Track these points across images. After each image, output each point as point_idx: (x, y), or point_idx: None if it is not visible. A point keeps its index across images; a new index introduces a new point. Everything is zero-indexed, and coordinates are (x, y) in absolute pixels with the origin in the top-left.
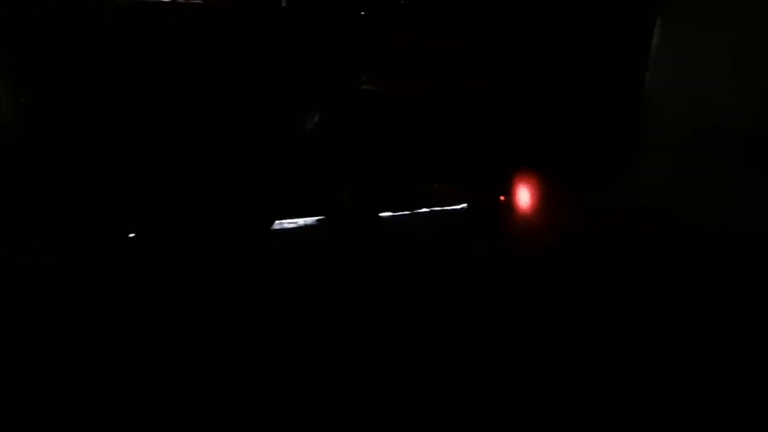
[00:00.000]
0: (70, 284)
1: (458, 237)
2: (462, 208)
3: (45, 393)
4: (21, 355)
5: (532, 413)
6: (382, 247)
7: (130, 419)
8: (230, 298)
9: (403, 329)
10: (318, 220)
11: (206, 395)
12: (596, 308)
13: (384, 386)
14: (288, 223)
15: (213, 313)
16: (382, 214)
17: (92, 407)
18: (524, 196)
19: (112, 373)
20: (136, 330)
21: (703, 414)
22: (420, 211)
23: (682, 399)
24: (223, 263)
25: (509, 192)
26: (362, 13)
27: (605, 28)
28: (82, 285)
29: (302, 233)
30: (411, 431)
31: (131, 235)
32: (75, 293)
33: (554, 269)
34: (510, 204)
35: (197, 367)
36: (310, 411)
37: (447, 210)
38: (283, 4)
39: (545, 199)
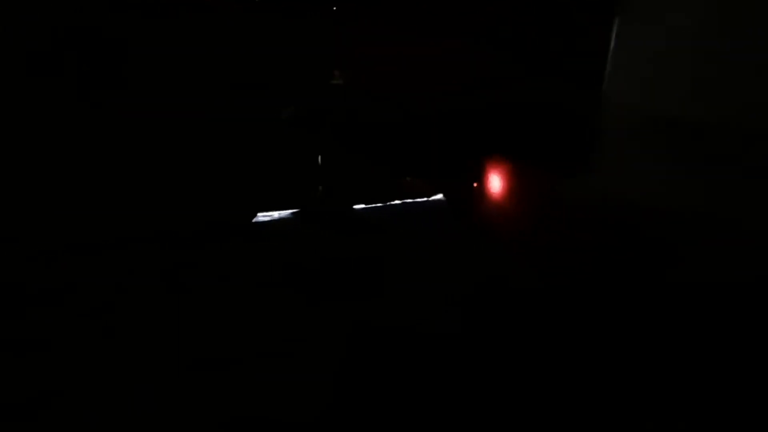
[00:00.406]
0: (70, 284)
1: (440, 230)
2: (438, 200)
3: (45, 393)
4: (21, 356)
5: (531, 414)
6: (370, 244)
7: (130, 419)
8: (229, 298)
9: (401, 329)
10: (293, 213)
11: (206, 395)
12: (597, 308)
13: (384, 387)
14: (263, 217)
15: (212, 313)
16: (356, 207)
17: (92, 407)
18: (500, 188)
19: (112, 374)
20: (135, 330)
21: (703, 414)
22: (394, 203)
23: (682, 399)
24: (220, 263)
25: (485, 184)
26: (334, 8)
27: (569, 28)
28: (82, 285)
29: (289, 231)
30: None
31: (130, 235)
32: (75, 293)
33: (550, 270)
34: (485, 194)
35: (197, 367)
36: (311, 411)
37: (422, 202)
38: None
39: (525, 192)
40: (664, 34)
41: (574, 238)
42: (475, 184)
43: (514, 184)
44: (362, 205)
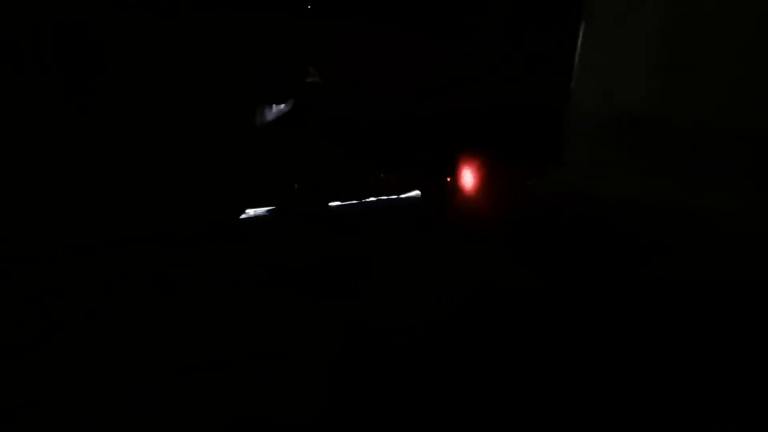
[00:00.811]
0: (70, 284)
1: (423, 227)
2: (413, 197)
3: (45, 393)
4: (20, 356)
5: (528, 415)
6: (357, 243)
7: (130, 419)
8: (227, 298)
9: (400, 329)
10: (268, 211)
11: (206, 395)
12: (588, 307)
13: (384, 387)
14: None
15: (211, 314)
16: (331, 204)
17: (92, 407)
18: (475, 184)
19: (111, 374)
20: (134, 330)
21: (701, 414)
22: (369, 200)
23: (679, 398)
24: (216, 263)
25: (460, 180)
26: (308, 6)
27: (540, 29)
28: (82, 285)
29: (275, 230)
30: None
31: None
32: (74, 293)
33: (541, 267)
34: (460, 191)
35: (196, 367)
36: (311, 411)
37: (398, 199)
38: None
39: (499, 189)
40: (630, 34)
41: (552, 234)
42: (449, 180)
43: (489, 180)
44: (338, 203)
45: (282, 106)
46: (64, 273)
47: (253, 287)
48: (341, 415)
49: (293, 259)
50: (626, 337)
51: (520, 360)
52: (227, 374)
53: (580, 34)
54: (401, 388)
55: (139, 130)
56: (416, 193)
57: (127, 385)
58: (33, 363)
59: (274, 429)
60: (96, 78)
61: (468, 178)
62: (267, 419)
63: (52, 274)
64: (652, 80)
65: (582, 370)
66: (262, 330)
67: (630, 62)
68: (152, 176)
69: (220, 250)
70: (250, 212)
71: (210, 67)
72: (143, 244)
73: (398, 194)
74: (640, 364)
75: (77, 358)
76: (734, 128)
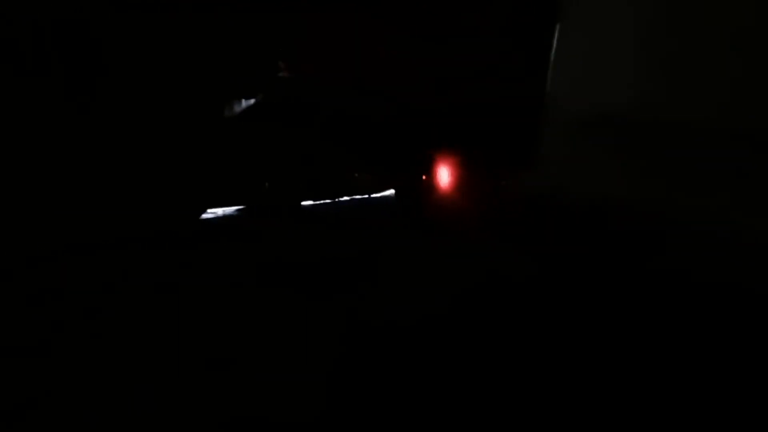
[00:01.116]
0: (70, 284)
1: (408, 226)
2: (388, 196)
3: (45, 393)
4: (20, 356)
5: (528, 413)
6: (342, 241)
7: (130, 419)
8: (227, 299)
9: (400, 329)
10: (238, 210)
11: (206, 395)
12: (584, 302)
13: (386, 387)
14: (208, 214)
15: (211, 314)
16: (304, 203)
17: (92, 407)
18: (452, 183)
19: (111, 374)
20: (134, 330)
21: (701, 415)
22: (343, 199)
23: (678, 400)
24: (215, 263)
25: (435, 179)
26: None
27: (516, 32)
28: (82, 285)
29: (265, 230)
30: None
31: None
32: (75, 293)
33: (531, 268)
34: (435, 189)
35: (196, 367)
36: (311, 411)
37: (372, 198)
38: None
39: (478, 187)
40: (605, 36)
41: (539, 233)
42: (424, 178)
43: (466, 179)
44: (310, 202)
45: (252, 102)
46: (64, 273)
47: (252, 287)
48: (341, 415)
49: (292, 258)
50: (624, 337)
51: (518, 360)
52: (227, 374)
53: (567, 36)
54: (400, 387)
55: (136, 129)
56: (390, 192)
57: (127, 385)
58: (33, 363)
59: (274, 429)
60: (97, 77)
61: (444, 176)
62: (267, 419)
63: (52, 274)
64: (640, 81)
65: (581, 370)
66: (262, 330)
67: (618, 63)
68: (150, 174)
69: (219, 250)
70: (218, 211)
71: (202, 68)
72: (143, 244)
73: (371, 193)
74: (638, 364)
75: (77, 358)
76: (729, 128)
